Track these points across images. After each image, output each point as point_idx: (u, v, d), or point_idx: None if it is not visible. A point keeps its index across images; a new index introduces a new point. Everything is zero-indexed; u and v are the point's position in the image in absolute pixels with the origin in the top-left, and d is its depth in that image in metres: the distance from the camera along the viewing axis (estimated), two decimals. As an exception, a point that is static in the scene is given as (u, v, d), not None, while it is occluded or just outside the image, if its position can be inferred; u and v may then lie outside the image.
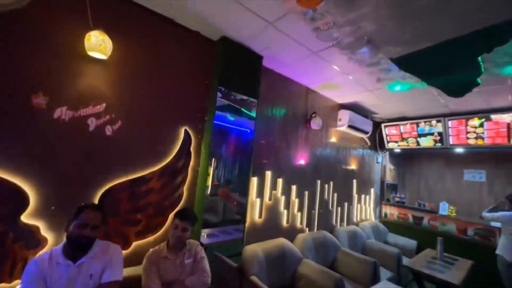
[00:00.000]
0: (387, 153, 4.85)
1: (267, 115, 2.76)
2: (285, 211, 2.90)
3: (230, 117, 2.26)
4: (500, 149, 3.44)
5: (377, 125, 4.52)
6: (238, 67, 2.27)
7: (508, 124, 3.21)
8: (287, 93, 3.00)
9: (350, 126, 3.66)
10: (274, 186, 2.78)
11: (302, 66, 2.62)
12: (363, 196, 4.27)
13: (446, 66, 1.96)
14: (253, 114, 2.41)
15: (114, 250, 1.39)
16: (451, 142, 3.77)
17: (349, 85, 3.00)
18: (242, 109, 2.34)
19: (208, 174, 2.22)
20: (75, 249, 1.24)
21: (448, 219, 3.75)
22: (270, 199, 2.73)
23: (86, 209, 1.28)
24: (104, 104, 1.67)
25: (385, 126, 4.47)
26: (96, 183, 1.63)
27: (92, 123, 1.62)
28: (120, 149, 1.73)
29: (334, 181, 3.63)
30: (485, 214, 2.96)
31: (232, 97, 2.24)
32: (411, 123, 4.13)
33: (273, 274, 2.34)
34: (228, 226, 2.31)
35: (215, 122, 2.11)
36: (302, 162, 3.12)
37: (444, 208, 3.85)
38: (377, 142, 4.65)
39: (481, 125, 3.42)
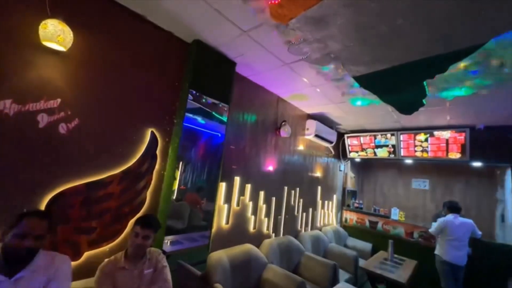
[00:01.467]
0: (349, 161, 5.22)
1: (238, 121, 2.78)
2: (253, 217, 2.92)
3: (201, 120, 2.24)
4: (440, 161, 3.96)
5: (340, 136, 4.85)
6: (210, 72, 2.26)
7: (447, 140, 3.72)
8: (259, 101, 3.06)
9: (316, 136, 3.87)
10: (242, 192, 2.79)
11: (274, 75, 2.72)
12: (326, 202, 4.51)
13: (398, 87, 2.22)
14: (224, 118, 2.41)
15: (61, 261, 1.25)
16: (402, 154, 4.22)
17: (317, 97, 3.19)
18: (214, 113, 2.33)
19: (174, 178, 2.15)
20: (12, 262, 1.09)
21: (398, 223, 4.15)
22: (238, 205, 2.73)
23: (28, 217, 1.13)
24: (59, 100, 1.52)
25: (348, 137, 4.82)
26: (45, 186, 1.46)
27: (43, 119, 1.46)
28: (75, 150, 1.59)
29: (300, 188, 3.78)
30: (431, 230, 3.29)
31: (203, 100, 2.22)
32: (369, 135, 4.52)
33: (238, 280, 2.32)
34: (194, 232, 2.25)
35: (185, 124, 2.06)
36: (270, 168, 3.20)
37: (395, 213, 4.26)
38: (340, 151, 4.99)
39: (426, 140, 3.90)
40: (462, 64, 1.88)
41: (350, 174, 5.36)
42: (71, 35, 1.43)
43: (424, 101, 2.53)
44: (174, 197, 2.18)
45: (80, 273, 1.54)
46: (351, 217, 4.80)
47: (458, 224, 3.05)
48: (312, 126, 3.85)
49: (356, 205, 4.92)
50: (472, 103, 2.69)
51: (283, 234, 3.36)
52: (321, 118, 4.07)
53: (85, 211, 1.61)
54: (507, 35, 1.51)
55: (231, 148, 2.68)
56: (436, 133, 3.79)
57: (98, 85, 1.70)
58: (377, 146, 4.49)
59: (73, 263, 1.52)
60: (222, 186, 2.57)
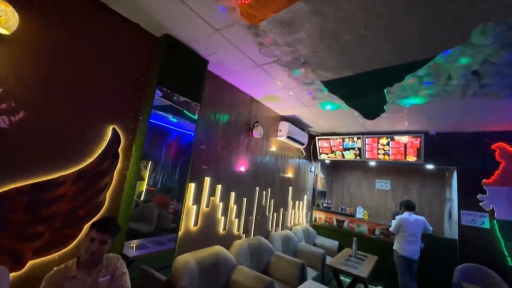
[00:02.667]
0: (319, 163, 5.42)
1: (210, 120, 2.73)
2: (223, 218, 2.88)
3: (171, 118, 2.17)
4: (399, 164, 4.30)
5: (312, 138, 5.03)
6: (181, 68, 2.19)
7: (405, 144, 4.05)
8: (232, 101, 3.04)
9: (288, 137, 3.96)
10: (212, 193, 2.74)
11: (247, 76, 2.72)
12: (297, 202, 4.62)
13: (362, 93, 2.38)
14: (195, 117, 2.35)
15: (-3, 273, 1.10)
16: (367, 156, 4.50)
17: (289, 99, 3.26)
18: (184, 111, 2.26)
19: (143, 179, 2.04)
20: None
21: (362, 221, 4.41)
22: (207, 206, 2.67)
23: None
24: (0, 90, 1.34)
25: (318, 139, 5.01)
26: (-22, 187, 1.28)
27: (-21, 111, 1.28)
28: (20, 146, 1.41)
29: (272, 188, 3.83)
30: (391, 229, 3.56)
31: (174, 98, 2.14)
32: (338, 138, 4.75)
33: (206, 284, 2.27)
34: (162, 235, 2.15)
35: (153, 122, 1.97)
36: (242, 169, 3.19)
37: (360, 212, 4.53)
38: (311, 153, 5.16)
39: (388, 144, 4.21)
40: (417, 75, 2.06)
41: (320, 175, 5.57)
42: (16, 17, 1.27)
43: (385, 107, 2.73)
44: (142, 199, 2.07)
45: (22, 285, 1.38)
46: (320, 216, 4.99)
47: (413, 221, 3.34)
48: (284, 127, 3.92)
49: (325, 205, 5.13)
50: (425, 111, 2.97)
51: (254, 235, 3.37)
52: (293, 120, 4.17)
53: (30, 215, 1.44)
54: (453, 50, 1.69)
55: (202, 148, 2.62)
56: (396, 137, 4.11)
57: (50, 75, 1.54)
58: (345, 149, 4.73)
59: (13, 274, 1.36)
60: (191, 187, 2.49)
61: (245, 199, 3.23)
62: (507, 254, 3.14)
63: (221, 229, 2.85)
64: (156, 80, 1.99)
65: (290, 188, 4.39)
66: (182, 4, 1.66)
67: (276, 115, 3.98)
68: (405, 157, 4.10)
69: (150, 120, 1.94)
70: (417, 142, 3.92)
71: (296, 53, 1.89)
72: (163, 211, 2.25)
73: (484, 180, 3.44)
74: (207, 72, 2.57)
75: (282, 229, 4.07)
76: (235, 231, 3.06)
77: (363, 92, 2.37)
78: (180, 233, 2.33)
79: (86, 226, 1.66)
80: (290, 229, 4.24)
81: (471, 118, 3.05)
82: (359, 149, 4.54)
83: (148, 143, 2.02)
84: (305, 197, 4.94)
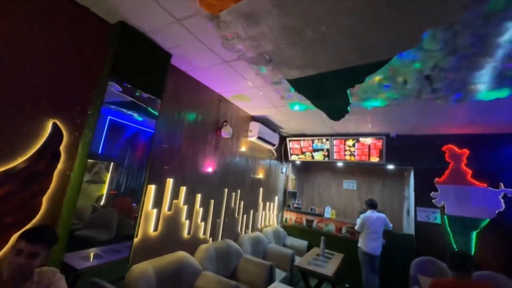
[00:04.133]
0: (290, 164, 5.48)
1: (174, 118, 2.57)
2: (187, 222, 2.72)
3: (131, 114, 2.01)
4: (364, 164, 4.51)
5: (283, 139, 5.06)
6: (139, 60, 2.01)
7: (369, 146, 4.26)
8: (199, 98, 2.91)
9: (259, 138, 3.92)
10: (176, 195, 2.58)
11: (215, 73, 2.61)
12: (268, 203, 4.60)
13: (326, 93, 2.42)
14: (156, 113, 2.18)
15: None
16: (335, 157, 4.65)
17: (259, 99, 3.22)
18: (146, 107, 2.12)
19: (103, 182, 1.87)
20: None
21: (330, 220, 4.53)
22: (170, 209, 2.50)
23: None
24: None
25: (289, 140, 5.06)
26: None
27: None
28: None
29: (241, 189, 3.75)
30: (356, 227, 3.70)
31: (131, 91, 1.97)
32: (308, 140, 4.84)
33: (165, 293, 2.10)
34: (122, 243, 1.97)
35: (113, 119, 1.82)
36: (210, 170, 3.06)
37: (328, 212, 4.65)
38: (282, 154, 5.19)
39: (353, 145, 4.40)
40: (377, 78, 2.15)
41: (291, 176, 5.63)
42: None
43: (348, 108, 2.83)
44: (102, 203, 1.89)
45: None
46: (290, 217, 5.02)
47: (375, 219, 3.50)
48: (255, 128, 3.88)
49: (295, 205, 5.18)
50: (386, 113, 3.14)
51: (222, 238, 3.25)
52: (264, 121, 4.15)
53: None
54: (408, 54, 1.79)
55: (164, 147, 2.45)
56: (361, 139, 4.30)
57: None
58: (315, 150, 4.84)
59: None
60: (151, 189, 2.31)
61: (212, 201, 3.11)
62: (455, 246, 3.44)
63: (185, 234, 2.69)
64: (109, 71, 1.80)
65: (261, 189, 4.35)
66: (136, -12, 1.51)
67: (247, 115, 3.92)
68: (369, 158, 4.30)
69: (109, 116, 1.78)
70: (379, 143, 4.14)
71: (260, 49, 1.85)
72: (124, 216, 2.06)
73: (436, 178, 3.74)
74: (171, 67, 2.42)
75: (252, 231, 4.01)
76: (200, 235, 2.92)
77: (327, 92, 2.41)
78: (137, 240, 2.14)
79: (14, 237, 1.42)
80: (261, 231, 4.19)
81: (426, 121, 3.30)
82: (327, 150, 4.68)
83: (109, 142, 1.87)
84: (276, 198, 4.94)
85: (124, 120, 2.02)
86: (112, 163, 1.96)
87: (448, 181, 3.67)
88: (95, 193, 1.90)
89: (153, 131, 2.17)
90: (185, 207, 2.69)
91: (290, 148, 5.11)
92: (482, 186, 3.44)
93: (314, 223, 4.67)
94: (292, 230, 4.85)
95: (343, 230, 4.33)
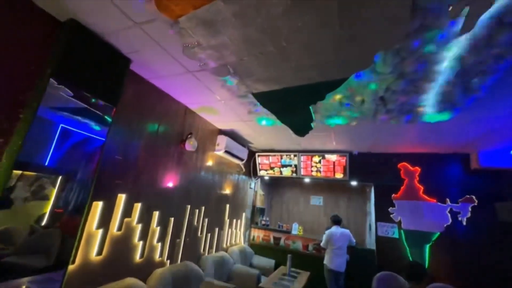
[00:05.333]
0: (259, 179, 5.42)
1: (132, 128, 2.37)
2: (141, 243, 2.44)
3: (85, 122, 1.83)
4: (330, 180, 4.64)
5: (252, 154, 5.02)
6: (92, 63, 1.85)
7: (334, 162, 4.42)
8: (163, 108, 2.75)
9: (227, 152, 3.82)
10: (128, 213, 2.31)
11: (180, 83, 2.51)
12: (234, 220, 4.41)
13: (291, 108, 2.47)
14: (109, 120, 1.99)
15: None
16: (302, 173, 4.71)
17: (226, 112, 3.17)
18: (103, 115, 1.95)
19: (47, 199, 1.60)
20: None
21: (297, 237, 4.49)
22: (119, 229, 2.22)
23: None
24: None
25: (258, 155, 5.04)
26: None
27: None
28: None
29: (206, 206, 3.54)
30: (321, 245, 3.71)
31: (85, 97, 1.80)
32: (277, 155, 4.87)
33: (104, 331, 1.79)
34: (62, 270, 1.67)
35: (63, 126, 1.64)
36: (170, 184, 2.85)
37: (295, 228, 4.61)
38: (251, 169, 5.13)
39: (320, 161, 4.52)
40: (337, 96, 2.26)
41: (260, 192, 5.55)
42: None
43: (312, 125, 2.91)
44: (44, 223, 1.60)
45: None
46: (258, 234, 4.87)
47: (339, 235, 3.55)
48: (222, 142, 3.78)
49: (263, 222, 5.07)
50: (348, 131, 3.30)
51: (181, 260, 2.97)
52: (233, 135, 4.08)
53: None
54: (364, 75, 1.91)
55: (117, 159, 2.22)
56: (327, 156, 4.45)
57: None
58: (283, 166, 4.87)
59: None
60: (98, 206, 2.04)
61: (172, 219, 2.86)
62: (411, 259, 3.60)
63: (137, 257, 2.39)
64: (51, 71, 1.60)
65: (228, 205, 4.18)
66: (88, -15, 1.40)
67: (214, 128, 3.82)
68: (334, 174, 4.44)
69: (61, 124, 1.59)
70: (343, 160, 4.32)
71: (223, 60, 1.82)
72: (70, 239, 1.76)
73: (393, 194, 3.97)
74: (132, 73, 2.28)
75: (216, 251, 3.76)
76: (156, 258, 2.63)
77: (292, 107, 2.46)
78: (74, 266, 1.83)
79: None
80: (226, 250, 3.96)
81: (383, 140, 3.54)
82: (295, 166, 4.74)
83: (59, 153, 1.68)
84: (244, 215, 4.78)
85: (79, 129, 1.82)
86: (60, 177, 1.71)
87: (403, 197, 3.92)
88: (36, 211, 1.62)
89: (104, 139, 1.96)
90: (139, 226, 2.42)
91: (259, 163, 5.07)
92: (432, 201, 3.73)
93: (282, 241, 4.58)
94: (260, 248, 4.68)
95: (310, 247, 4.31)
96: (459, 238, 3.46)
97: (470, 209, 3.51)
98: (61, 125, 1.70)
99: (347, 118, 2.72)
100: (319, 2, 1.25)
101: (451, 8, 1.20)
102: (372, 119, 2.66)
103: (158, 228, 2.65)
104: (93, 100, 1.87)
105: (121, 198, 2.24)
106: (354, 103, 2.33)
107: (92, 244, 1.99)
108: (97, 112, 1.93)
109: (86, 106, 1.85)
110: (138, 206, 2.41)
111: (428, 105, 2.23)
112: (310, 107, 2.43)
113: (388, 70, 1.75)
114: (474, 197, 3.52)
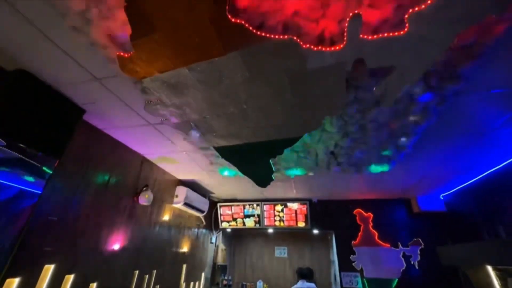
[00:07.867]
0: (221, 232, 5.07)
1: (76, 181, 2.11)
2: (66, 330, 1.91)
3: (15, 173, 1.58)
4: (292, 229, 4.59)
5: (214, 204, 4.79)
6: (37, 113, 1.71)
7: (296, 211, 4.46)
8: (115, 158, 2.56)
9: (186, 204, 3.58)
10: (54, 289, 1.86)
11: (138, 134, 2.44)
12: (192, 283, 3.87)
13: (251, 161, 2.56)
14: (48, 172, 1.76)
15: None
16: (265, 223, 4.59)
17: (187, 162, 3.09)
18: (41, 166, 1.72)
19: None
20: None
21: (262, 298, 4.09)
22: (38, 314, 1.74)
23: None
24: None
25: (220, 206, 4.82)
26: None
27: None
28: None
29: (159, 269, 3.08)
30: None
31: (19, 147, 1.60)
32: (239, 205, 4.74)
33: None
34: None
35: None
36: (116, 247, 2.46)
37: (260, 287, 4.23)
38: (212, 221, 4.81)
39: (282, 210, 4.52)
40: (294, 150, 2.44)
41: (222, 246, 5.14)
42: None
43: (273, 176, 3.02)
44: None
45: None
46: (219, 299, 4.30)
47: (305, 291, 3.36)
48: (182, 193, 3.57)
49: (224, 282, 4.56)
50: (306, 181, 3.48)
51: None
52: (193, 185, 3.91)
53: None
54: (316, 133, 2.14)
55: (52, 220, 1.88)
56: (289, 204, 4.50)
57: None
58: (246, 216, 4.71)
59: None
60: (12, 285, 1.60)
61: (113, 291, 2.38)
62: (377, 312, 3.52)
63: None
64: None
65: (184, 266, 3.70)
66: (48, 42, 1.40)
67: (174, 179, 3.64)
68: (296, 223, 4.44)
69: None
70: (304, 208, 4.41)
71: (185, 116, 1.88)
72: None
73: (353, 241, 4.07)
74: (83, 122, 2.14)
75: (167, 327, 3.14)
76: None
77: (252, 160, 2.55)
78: None
79: None
80: (179, 325, 3.34)
81: (338, 188, 3.79)
82: (258, 216, 4.62)
83: None
84: (203, 275, 4.26)
85: (8, 180, 1.59)
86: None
87: (362, 243, 4.04)
88: None
89: (39, 192, 1.70)
90: (67, 306, 1.94)
91: (221, 215, 4.82)
92: (386, 246, 3.91)
93: (245, 304, 4.10)
94: (220, 316, 4.08)
95: (276, 309, 3.92)
96: (415, 283, 3.58)
97: (419, 252, 3.76)
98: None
99: (305, 169, 2.90)
100: (272, 78, 1.47)
101: (375, 88, 1.52)
102: (327, 170, 2.89)
103: (94, 305, 2.16)
104: (28, 150, 1.68)
105: (48, 269, 1.82)
106: (310, 155, 2.53)
107: None
108: (33, 162, 1.72)
109: (20, 156, 1.64)
110: (69, 279, 1.97)
111: (370, 158, 2.55)
112: (270, 160, 2.56)
113: (334, 130, 2.01)
114: (420, 239, 3.83)
